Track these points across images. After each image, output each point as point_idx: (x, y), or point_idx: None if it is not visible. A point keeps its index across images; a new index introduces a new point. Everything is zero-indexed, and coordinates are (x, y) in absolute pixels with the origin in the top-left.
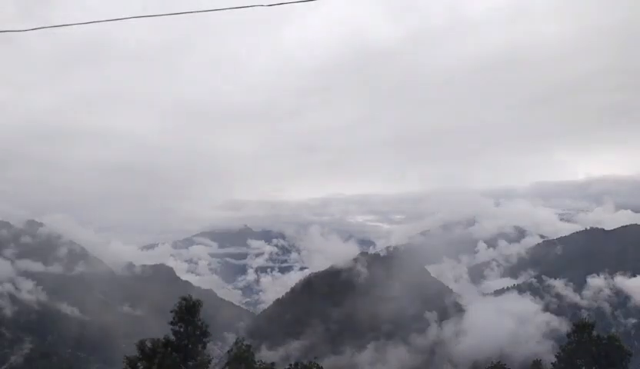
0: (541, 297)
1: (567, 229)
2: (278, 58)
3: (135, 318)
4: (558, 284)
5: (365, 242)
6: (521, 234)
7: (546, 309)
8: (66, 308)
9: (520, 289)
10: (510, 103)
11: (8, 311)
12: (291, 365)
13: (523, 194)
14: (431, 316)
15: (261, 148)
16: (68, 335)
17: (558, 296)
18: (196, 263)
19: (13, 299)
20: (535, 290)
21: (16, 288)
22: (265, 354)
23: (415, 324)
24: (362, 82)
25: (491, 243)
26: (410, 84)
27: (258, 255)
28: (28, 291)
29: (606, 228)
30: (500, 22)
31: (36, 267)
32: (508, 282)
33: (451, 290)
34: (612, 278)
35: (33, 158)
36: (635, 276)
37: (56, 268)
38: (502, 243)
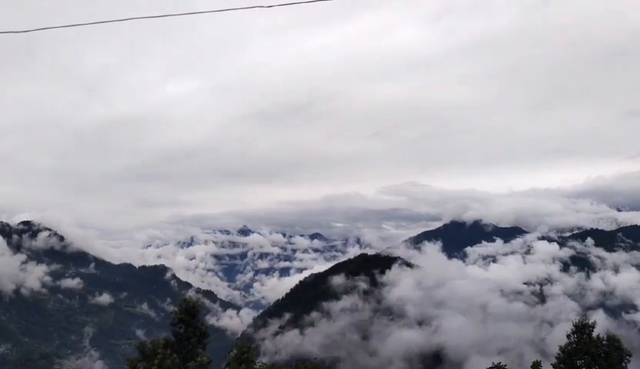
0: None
1: None
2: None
3: (134, 318)
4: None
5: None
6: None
7: None
8: (67, 309)
9: None
10: None
11: (9, 311)
12: (291, 366)
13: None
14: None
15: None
16: (68, 335)
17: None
18: (196, 263)
19: (13, 300)
20: None
21: (16, 288)
22: (264, 350)
23: None
24: None
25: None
26: None
27: (258, 256)
28: (29, 292)
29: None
30: None
31: (37, 267)
32: None
33: None
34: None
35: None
36: None
37: (56, 269)
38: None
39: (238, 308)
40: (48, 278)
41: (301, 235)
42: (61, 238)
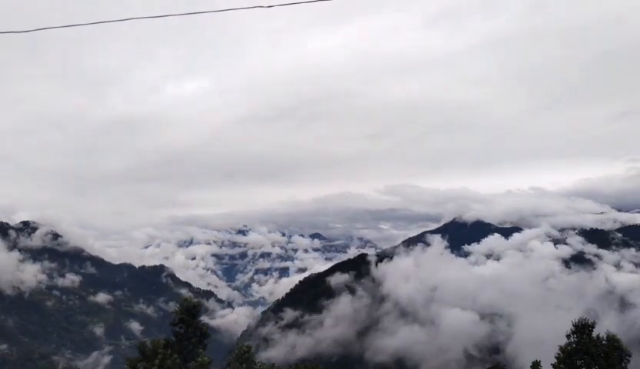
0: None
1: None
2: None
3: (134, 318)
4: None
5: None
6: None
7: None
8: (67, 308)
9: None
10: None
11: (8, 311)
12: (291, 366)
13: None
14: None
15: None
16: (68, 335)
17: None
18: (196, 263)
19: (12, 299)
20: None
21: (15, 287)
22: (265, 355)
23: None
24: None
25: None
26: None
27: (258, 255)
28: (28, 291)
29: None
30: None
31: (33, 266)
32: None
33: None
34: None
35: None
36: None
37: (52, 267)
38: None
39: (237, 308)
40: (43, 276)
41: (301, 235)
42: (57, 237)
